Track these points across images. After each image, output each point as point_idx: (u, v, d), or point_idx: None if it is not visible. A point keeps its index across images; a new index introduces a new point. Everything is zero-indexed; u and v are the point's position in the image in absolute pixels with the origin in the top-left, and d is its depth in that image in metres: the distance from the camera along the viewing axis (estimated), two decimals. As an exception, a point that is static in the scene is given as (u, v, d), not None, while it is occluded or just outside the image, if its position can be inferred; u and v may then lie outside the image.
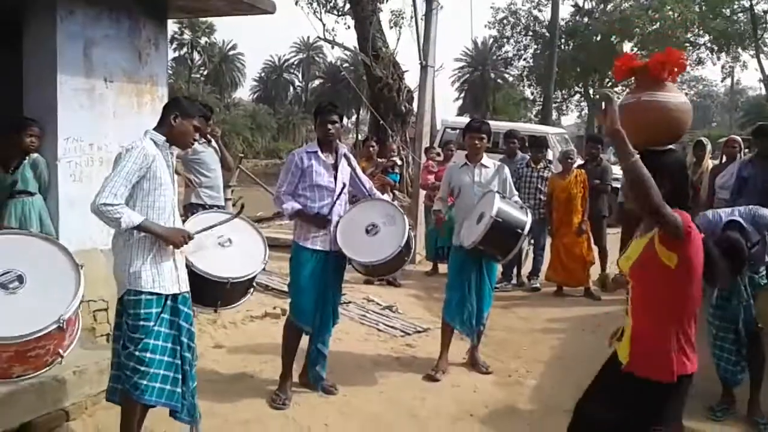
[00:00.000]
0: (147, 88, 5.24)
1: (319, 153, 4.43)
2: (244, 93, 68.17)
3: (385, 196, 7.06)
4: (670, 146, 2.67)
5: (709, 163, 8.00)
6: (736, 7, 28.60)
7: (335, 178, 4.44)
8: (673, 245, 2.40)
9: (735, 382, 4.39)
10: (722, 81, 42.99)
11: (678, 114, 2.61)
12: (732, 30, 28.08)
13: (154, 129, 3.42)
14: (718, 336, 4.39)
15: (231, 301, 3.89)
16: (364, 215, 4.48)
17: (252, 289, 4.05)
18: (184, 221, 3.70)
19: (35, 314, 3.01)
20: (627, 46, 31.61)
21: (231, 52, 62.59)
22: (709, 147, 8.26)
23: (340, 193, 4.42)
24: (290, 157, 4.52)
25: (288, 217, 4.56)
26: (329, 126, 4.42)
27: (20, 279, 3.08)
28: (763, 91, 31.32)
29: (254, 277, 3.94)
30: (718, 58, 30.51)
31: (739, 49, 29.47)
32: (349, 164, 4.57)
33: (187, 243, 3.40)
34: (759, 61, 28.68)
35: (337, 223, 4.41)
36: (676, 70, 2.64)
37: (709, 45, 29.73)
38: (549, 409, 4.50)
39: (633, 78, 2.74)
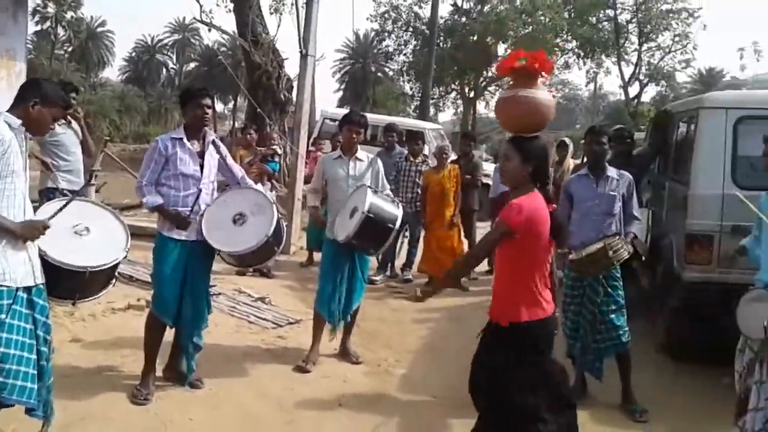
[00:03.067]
0: (3, 62, 4.84)
1: (185, 140, 4.26)
2: (112, 73, 64.74)
3: (262, 186, 6.96)
4: (536, 134, 3.16)
5: (571, 162, 8.49)
6: (601, 15, 30.54)
7: (201, 166, 4.29)
8: None
9: (592, 370, 4.59)
10: (586, 85, 45.78)
11: (545, 108, 3.11)
12: (597, 37, 29.93)
13: (9, 110, 3.15)
14: (570, 316, 4.62)
15: (90, 292, 3.67)
16: (231, 204, 4.35)
17: (114, 280, 3.84)
18: (36, 208, 3.43)
19: None
20: (501, 48, 32.92)
21: (99, 29, 59.21)
22: (571, 147, 8.76)
23: (207, 182, 4.30)
24: (153, 144, 4.30)
25: (148, 210, 4.36)
26: (204, 111, 4.27)
27: None
28: (623, 97, 33.61)
29: (116, 266, 3.73)
30: (584, 63, 32.39)
31: (603, 56, 31.46)
32: (218, 151, 4.43)
33: (44, 234, 3.17)
34: (620, 68, 30.84)
35: (204, 212, 4.26)
36: (546, 70, 3.17)
37: (576, 50, 31.50)
38: (417, 396, 4.61)
39: (510, 75, 3.21)
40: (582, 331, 4.53)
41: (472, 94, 35.36)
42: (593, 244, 4.40)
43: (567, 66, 33.16)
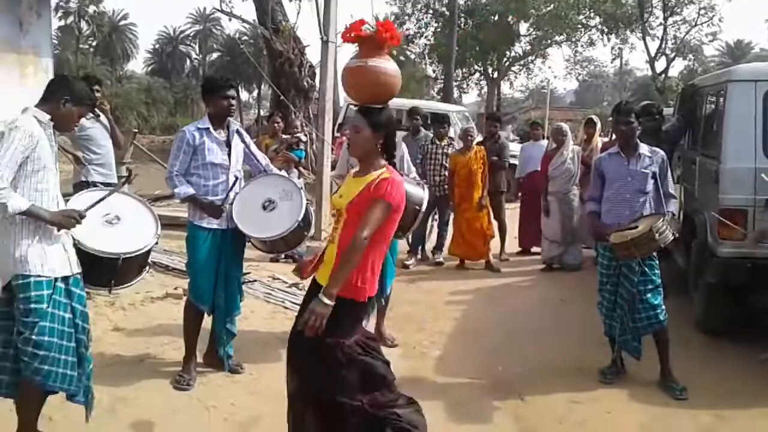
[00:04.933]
0: (30, 58, 4.95)
1: (211, 129, 4.31)
2: (137, 65, 65.42)
3: (290, 173, 7.00)
4: (384, 105, 3.10)
5: (599, 140, 8.42)
6: (624, -11, 30.04)
7: (229, 155, 4.34)
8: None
9: (630, 349, 4.56)
10: (612, 62, 45.18)
11: (392, 79, 3.08)
12: (621, 13, 29.44)
13: (37, 105, 3.23)
14: (606, 296, 4.58)
15: (125, 279, 3.75)
16: (260, 191, 4.39)
17: (148, 267, 3.93)
18: (67, 201, 3.52)
19: None
20: (523, 27, 32.57)
21: (122, 23, 59.70)
22: (598, 125, 8.68)
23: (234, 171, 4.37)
24: (180, 135, 4.35)
25: (180, 200, 4.44)
26: (230, 102, 4.33)
27: None
28: (649, 72, 33.08)
29: (148, 253, 3.81)
30: (608, 40, 31.93)
31: (628, 32, 30.96)
32: (242, 140, 4.49)
33: (80, 223, 3.25)
34: (645, 43, 30.29)
35: (233, 199, 4.33)
36: (395, 41, 3.09)
37: (599, 27, 31.04)
38: (454, 378, 4.65)
39: (356, 43, 3.12)
40: (619, 310, 4.49)
41: (495, 75, 35.07)
42: (636, 225, 4.34)
43: (591, 43, 32.77)
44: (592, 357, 4.88)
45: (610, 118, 6.11)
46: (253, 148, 4.62)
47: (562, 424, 4.02)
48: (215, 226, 4.30)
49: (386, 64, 3.06)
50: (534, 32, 32.79)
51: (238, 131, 4.48)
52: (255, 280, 6.56)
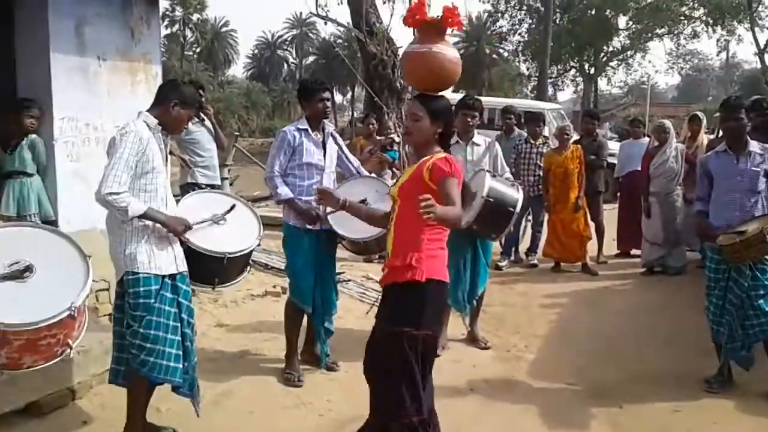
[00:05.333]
0: (140, 66, 5.21)
1: (309, 131, 4.43)
2: (237, 70, 67.68)
3: (383, 174, 7.09)
4: (442, 93, 3.08)
5: (704, 137, 8.02)
6: (731, -21, 28.45)
7: (324, 156, 4.45)
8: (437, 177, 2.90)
9: (739, 358, 4.33)
10: (717, 55, 42.89)
11: (455, 66, 3.04)
12: (727, 3, 27.91)
13: (148, 110, 3.43)
14: (713, 301, 4.35)
15: (228, 278, 3.90)
16: (352, 192, 4.44)
17: (249, 267, 4.07)
18: (177, 202, 3.72)
19: (46, 303, 3.03)
20: (622, 20, 31.45)
21: (223, 29, 61.95)
22: (704, 121, 8.28)
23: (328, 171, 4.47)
24: (281, 135, 4.47)
25: (277, 202, 4.56)
26: (326, 104, 4.44)
27: (29, 269, 3.08)
28: (758, 65, 31.18)
29: (250, 253, 3.95)
30: (714, 31, 30.35)
31: (734, 23, 29.31)
32: (336, 142, 4.59)
33: (184, 232, 3.44)
34: (754, 35, 28.52)
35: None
36: (458, 25, 3.05)
37: (704, 18, 29.55)
38: (549, 382, 4.57)
39: (419, 27, 3.07)
40: (728, 317, 4.26)
41: (592, 71, 34.08)
42: (746, 226, 4.12)
43: (695, 35, 31.28)
44: (696, 365, 4.66)
45: (716, 115, 5.82)
46: (346, 150, 4.73)
47: (664, 434, 3.88)
48: (310, 227, 4.41)
49: (449, 51, 3.03)
50: (633, 26, 31.61)
51: (331, 134, 4.59)
52: (349, 280, 6.68)
